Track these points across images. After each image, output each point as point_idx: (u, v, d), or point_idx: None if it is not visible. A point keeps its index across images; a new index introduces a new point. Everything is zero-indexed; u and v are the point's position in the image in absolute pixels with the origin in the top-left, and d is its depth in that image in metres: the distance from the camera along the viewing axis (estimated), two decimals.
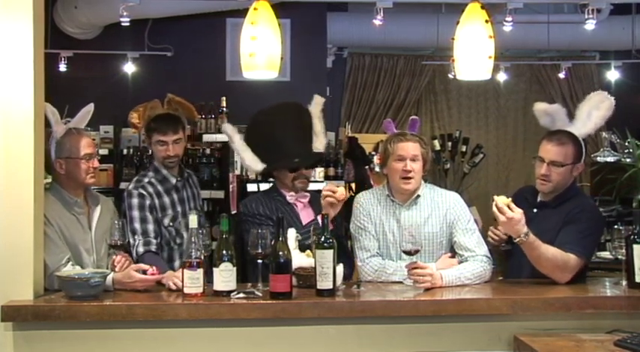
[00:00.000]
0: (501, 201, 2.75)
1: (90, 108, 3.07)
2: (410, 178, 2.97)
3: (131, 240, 3.15)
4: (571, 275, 2.84)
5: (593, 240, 3.00)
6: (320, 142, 3.23)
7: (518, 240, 2.77)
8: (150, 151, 5.34)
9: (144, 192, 3.28)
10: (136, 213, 3.22)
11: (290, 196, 3.18)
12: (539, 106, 3.14)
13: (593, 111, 3.03)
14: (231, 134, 3.24)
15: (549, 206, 3.04)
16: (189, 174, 3.60)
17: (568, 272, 2.83)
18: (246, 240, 2.93)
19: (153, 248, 3.16)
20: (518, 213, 2.73)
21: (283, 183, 3.20)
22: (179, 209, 3.37)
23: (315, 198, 3.16)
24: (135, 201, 3.25)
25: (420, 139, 3.04)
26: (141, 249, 3.13)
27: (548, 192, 3.04)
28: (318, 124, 3.23)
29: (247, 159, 3.19)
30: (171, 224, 3.32)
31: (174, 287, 2.69)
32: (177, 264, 3.24)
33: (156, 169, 3.41)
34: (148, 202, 3.26)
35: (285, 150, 3.12)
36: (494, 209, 2.74)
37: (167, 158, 3.36)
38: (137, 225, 3.19)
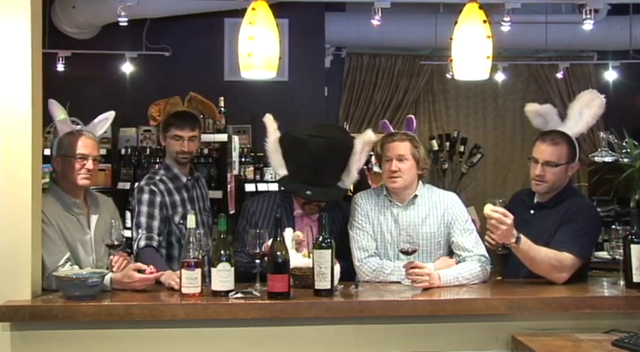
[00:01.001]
0: (489, 208, 2.74)
1: (108, 115, 3.06)
2: (396, 177, 2.97)
3: (134, 234, 3.15)
4: (568, 274, 2.84)
5: (590, 239, 3.00)
6: (349, 179, 3.11)
7: (510, 244, 2.77)
8: (148, 151, 5.37)
9: (155, 189, 3.28)
10: (144, 208, 3.23)
11: (297, 212, 3.14)
12: (531, 107, 3.13)
13: (585, 110, 3.03)
14: (270, 129, 3.13)
15: (546, 207, 3.04)
16: (199, 176, 3.62)
17: (565, 271, 2.83)
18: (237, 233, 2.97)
19: (154, 243, 3.16)
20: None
21: (295, 198, 3.17)
22: (189, 207, 3.37)
23: (329, 209, 3.10)
24: (145, 196, 3.25)
25: (410, 139, 3.02)
26: (142, 243, 3.13)
27: (544, 193, 3.04)
28: (355, 161, 3.07)
29: (274, 160, 3.15)
30: (181, 221, 3.31)
31: (176, 286, 2.67)
32: None
33: (167, 167, 3.42)
34: (158, 199, 3.26)
35: (303, 176, 3.02)
36: (490, 214, 2.73)
37: (181, 153, 3.36)
38: (143, 220, 3.20)
